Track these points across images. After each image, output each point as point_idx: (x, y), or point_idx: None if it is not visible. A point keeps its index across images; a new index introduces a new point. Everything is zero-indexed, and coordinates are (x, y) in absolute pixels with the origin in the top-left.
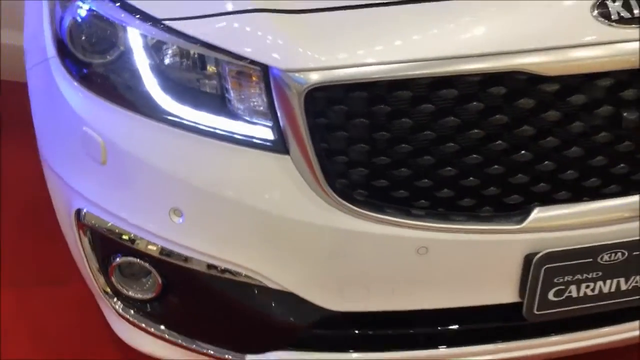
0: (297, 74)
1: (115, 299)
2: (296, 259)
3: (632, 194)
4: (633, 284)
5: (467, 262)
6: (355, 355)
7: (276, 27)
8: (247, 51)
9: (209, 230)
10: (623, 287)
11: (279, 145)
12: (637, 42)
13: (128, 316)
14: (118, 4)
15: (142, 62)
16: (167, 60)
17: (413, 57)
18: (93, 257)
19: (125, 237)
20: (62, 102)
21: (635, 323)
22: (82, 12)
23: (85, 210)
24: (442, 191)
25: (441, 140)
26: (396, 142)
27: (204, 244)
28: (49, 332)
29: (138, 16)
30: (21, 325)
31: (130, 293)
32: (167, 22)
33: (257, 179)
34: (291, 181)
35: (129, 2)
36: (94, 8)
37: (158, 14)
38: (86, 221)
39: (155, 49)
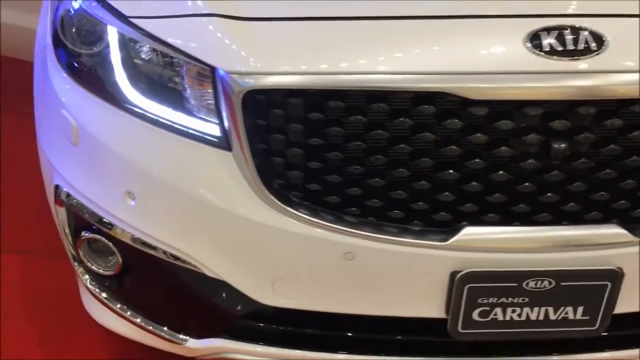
0: (237, 77)
1: (83, 273)
2: (230, 250)
3: (563, 224)
4: (562, 315)
5: (394, 272)
6: (287, 351)
7: (225, 31)
8: (198, 52)
9: (156, 214)
10: (552, 316)
11: (224, 143)
12: (567, 74)
13: (93, 290)
14: (99, 3)
15: (115, 56)
16: (136, 56)
17: (345, 70)
18: (67, 231)
19: (89, 214)
20: (50, 86)
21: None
22: (75, 5)
23: (60, 187)
24: (372, 201)
25: (371, 152)
26: (329, 149)
27: (151, 227)
28: (47, 300)
29: (112, 13)
30: (21, 292)
31: (94, 267)
32: (134, 20)
33: (202, 172)
34: (232, 177)
35: (107, 0)
36: (82, 5)
37: (127, 12)
38: (61, 197)
39: (128, 45)
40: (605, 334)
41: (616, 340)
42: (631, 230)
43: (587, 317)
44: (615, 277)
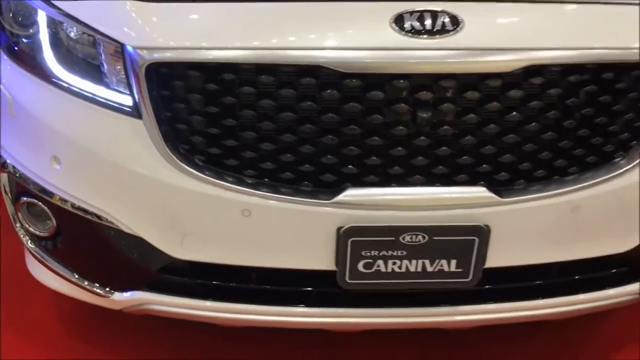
0: (141, 51)
1: (24, 234)
2: (143, 208)
3: (434, 185)
4: (438, 267)
5: (287, 228)
6: (201, 302)
7: (133, 11)
8: (110, 30)
9: (78, 177)
10: (429, 268)
11: (136, 112)
12: (427, 51)
13: (32, 250)
14: None
15: (44, 36)
16: (62, 36)
17: (232, 45)
18: (9, 196)
19: (25, 180)
20: None
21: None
22: None
23: (2, 155)
24: (266, 164)
25: (261, 119)
26: (225, 117)
27: (74, 189)
28: None
29: None
30: None
31: (32, 229)
32: (56, 2)
33: (118, 138)
34: (143, 143)
35: None
36: None
37: None
38: (2, 164)
39: (55, 27)
40: (481, 287)
41: (491, 293)
42: (496, 192)
43: (461, 270)
44: (481, 233)
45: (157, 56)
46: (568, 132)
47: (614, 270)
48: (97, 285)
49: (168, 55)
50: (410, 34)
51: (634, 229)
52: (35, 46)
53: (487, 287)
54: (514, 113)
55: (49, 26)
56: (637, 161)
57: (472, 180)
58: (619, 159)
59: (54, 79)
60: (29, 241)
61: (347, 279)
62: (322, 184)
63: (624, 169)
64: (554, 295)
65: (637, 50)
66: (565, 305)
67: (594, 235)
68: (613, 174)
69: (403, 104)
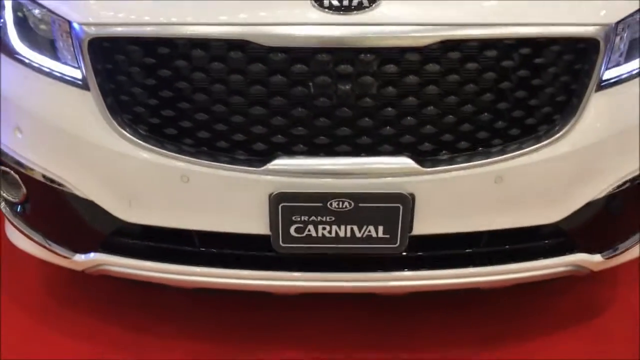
0: (84, 27)
1: (0, 200)
2: (93, 174)
3: (359, 155)
4: (367, 233)
5: (224, 193)
6: (152, 264)
7: None
8: (60, 10)
9: (37, 145)
10: (358, 234)
11: (85, 85)
12: (344, 27)
13: (7, 214)
14: None
15: (9, 17)
16: (24, 15)
17: (168, 21)
18: None
19: None
20: None
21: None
22: None
23: None
24: (202, 132)
25: (195, 91)
26: (162, 89)
27: (34, 156)
28: None
29: None
30: None
31: (5, 195)
32: None
33: (70, 109)
34: (91, 113)
35: None
36: None
37: None
38: None
39: (18, 8)
40: (413, 254)
41: (424, 260)
42: (420, 162)
43: (388, 236)
44: (405, 200)
45: (97, 31)
46: (489, 106)
47: (546, 241)
48: (60, 247)
49: (107, 31)
50: (329, 11)
51: (562, 200)
52: (3, 26)
53: (418, 254)
54: (432, 86)
55: (13, 8)
56: (560, 134)
57: (399, 151)
58: (542, 132)
59: (16, 55)
60: (6, 207)
61: (280, 242)
62: (256, 153)
63: (547, 141)
64: (486, 264)
65: (551, 26)
66: (498, 274)
67: (520, 206)
68: (536, 146)
69: (325, 77)
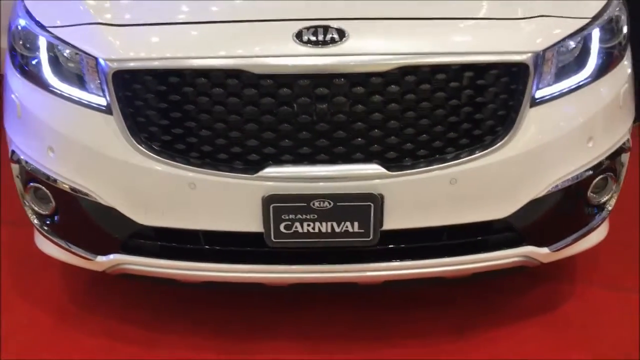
0: (108, 62)
1: (31, 213)
2: (115, 184)
3: (336, 163)
4: (345, 228)
5: (224, 197)
6: (167, 262)
7: (104, 33)
8: (88, 48)
9: (67, 162)
10: (337, 229)
11: (108, 110)
12: (319, 57)
13: (37, 226)
14: (33, 21)
15: (44, 55)
16: (57, 54)
17: (175, 55)
18: (20, 184)
19: (30, 169)
20: (7, 80)
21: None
22: (22, 22)
23: (15, 150)
24: (205, 147)
25: (199, 112)
26: (172, 111)
27: (64, 171)
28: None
29: (40, 27)
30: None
31: (36, 208)
32: (50, 29)
33: (96, 130)
34: (114, 134)
35: (35, 18)
36: (25, 23)
37: (46, 24)
38: (14, 157)
39: (51, 47)
40: (385, 247)
41: (397, 253)
42: (387, 168)
43: (362, 230)
44: (375, 200)
45: (119, 65)
46: (442, 120)
47: (498, 235)
48: (84, 250)
49: (127, 65)
50: (308, 45)
51: (508, 198)
52: (39, 63)
53: (389, 246)
54: (394, 104)
55: (48, 48)
56: (502, 142)
57: (370, 159)
58: (487, 141)
59: (50, 87)
60: (35, 219)
61: (272, 238)
62: (251, 162)
63: (492, 148)
64: (448, 256)
65: (488, 54)
66: (458, 264)
67: (472, 204)
68: (483, 153)
69: (306, 98)
